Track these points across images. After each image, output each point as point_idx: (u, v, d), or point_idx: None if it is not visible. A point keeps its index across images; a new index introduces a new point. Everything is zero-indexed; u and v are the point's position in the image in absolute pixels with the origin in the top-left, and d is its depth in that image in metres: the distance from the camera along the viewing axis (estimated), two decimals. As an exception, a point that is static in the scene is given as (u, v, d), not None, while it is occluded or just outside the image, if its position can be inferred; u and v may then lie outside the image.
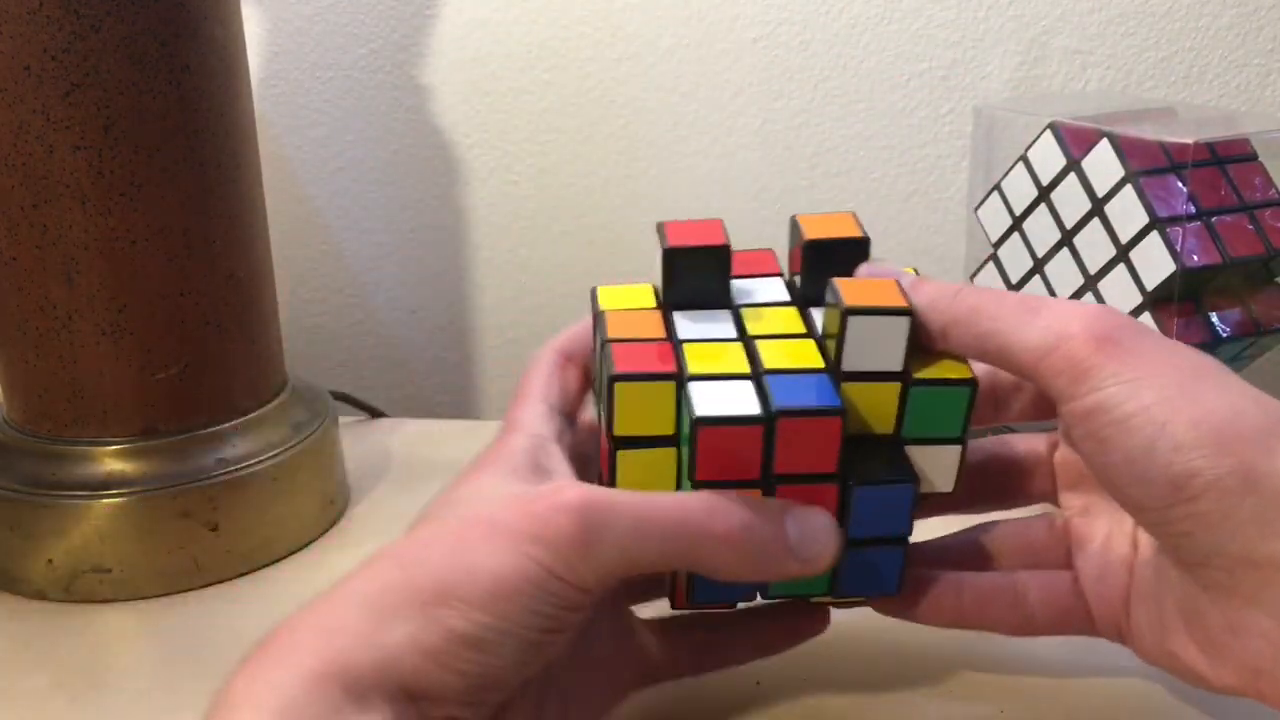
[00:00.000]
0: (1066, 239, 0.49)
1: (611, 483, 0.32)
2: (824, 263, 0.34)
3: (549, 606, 0.28)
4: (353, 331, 0.73)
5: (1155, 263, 0.45)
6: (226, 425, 0.46)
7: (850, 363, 0.31)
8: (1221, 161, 0.47)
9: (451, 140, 0.68)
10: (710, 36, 0.65)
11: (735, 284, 0.35)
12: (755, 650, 0.37)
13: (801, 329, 0.33)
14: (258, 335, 0.48)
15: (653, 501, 0.29)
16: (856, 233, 0.35)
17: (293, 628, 0.27)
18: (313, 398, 0.52)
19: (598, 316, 0.34)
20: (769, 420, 0.30)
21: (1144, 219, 0.45)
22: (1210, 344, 0.46)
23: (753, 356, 0.32)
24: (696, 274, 0.34)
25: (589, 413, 0.36)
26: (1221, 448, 0.27)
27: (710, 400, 0.30)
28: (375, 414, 0.63)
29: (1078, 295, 0.49)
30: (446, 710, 0.27)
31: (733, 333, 0.33)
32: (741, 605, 0.36)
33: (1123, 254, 0.46)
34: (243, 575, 0.46)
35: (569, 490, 0.29)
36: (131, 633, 0.43)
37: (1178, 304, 0.45)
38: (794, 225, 0.36)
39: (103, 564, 0.44)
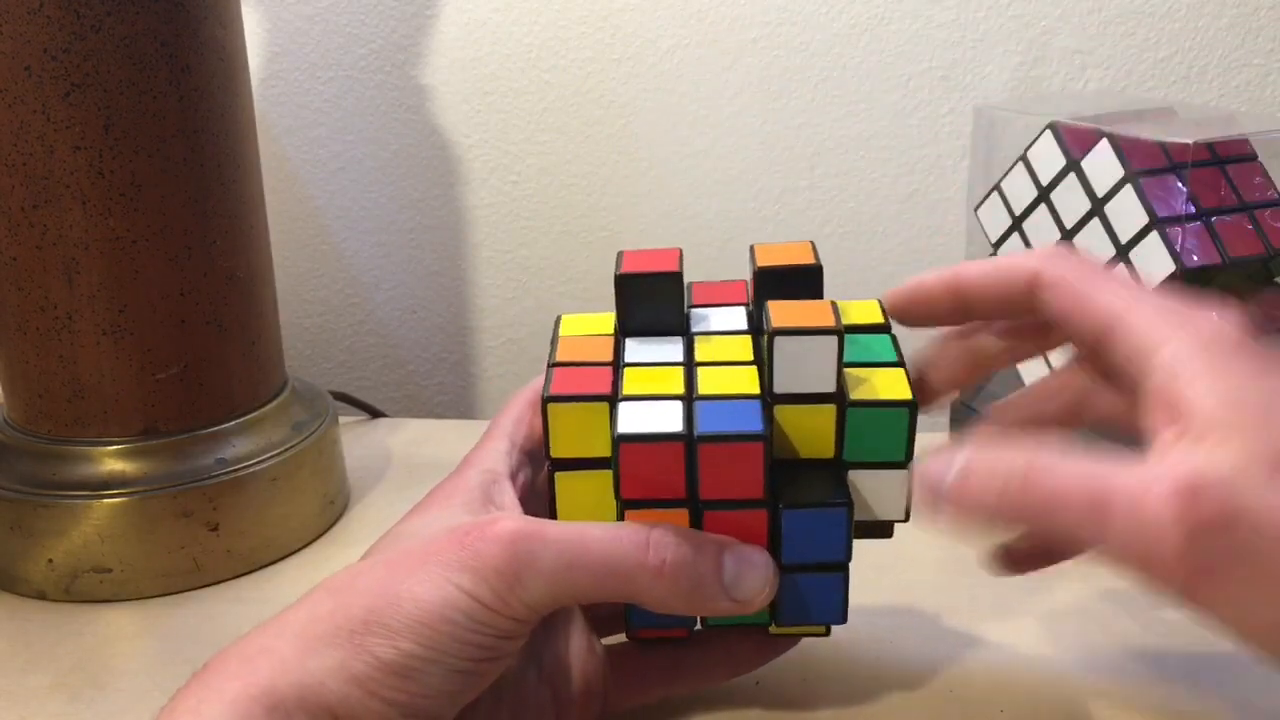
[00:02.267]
0: (1066, 239, 0.49)
1: (552, 506, 0.32)
2: (776, 291, 0.34)
3: (479, 636, 0.28)
4: (353, 331, 0.73)
5: (1155, 263, 0.45)
6: (226, 425, 0.46)
7: (782, 385, 0.31)
8: (1221, 161, 0.47)
9: (451, 140, 0.68)
10: (710, 36, 0.65)
11: (697, 312, 0.35)
12: (727, 670, 0.37)
13: (749, 356, 0.33)
14: (258, 335, 0.48)
15: (586, 533, 0.29)
16: (809, 260, 0.34)
17: (225, 656, 0.28)
18: (313, 398, 0.52)
19: (553, 342, 0.34)
20: (689, 440, 0.30)
21: (1144, 219, 0.45)
22: (1210, 344, 0.46)
23: (690, 381, 0.32)
24: (648, 300, 0.34)
25: None
26: None
27: (634, 419, 0.30)
28: (375, 414, 0.63)
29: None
30: None
31: (679, 358, 0.33)
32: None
33: (1123, 254, 0.46)
34: (243, 575, 0.46)
35: (502, 522, 0.29)
36: (131, 633, 0.43)
37: (1178, 304, 0.45)
38: (751, 254, 0.36)
39: (103, 564, 0.44)
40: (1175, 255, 0.44)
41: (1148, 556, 0.25)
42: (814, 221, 0.67)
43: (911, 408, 0.31)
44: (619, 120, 0.67)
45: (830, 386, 0.31)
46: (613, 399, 0.31)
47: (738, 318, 0.35)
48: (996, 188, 0.53)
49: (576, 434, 0.31)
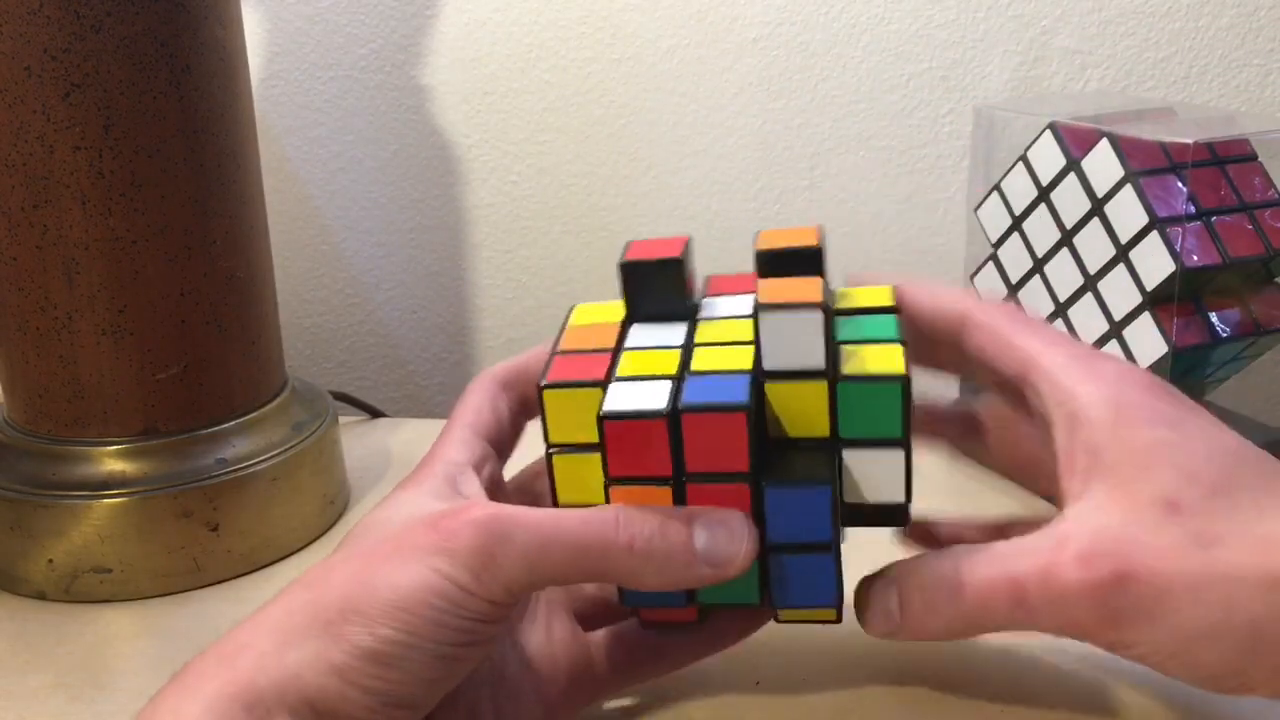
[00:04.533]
0: (1066, 239, 0.49)
1: (553, 490, 0.32)
2: (777, 274, 0.34)
3: (457, 620, 0.28)
4: (353, 331, 0.73)
5: (1155, 263, 0.45)
6: (226, 425, 0.46)
7: (770, 361, 0.31)
8: (1221, 161, 0.47)
9: (451, 140, 0.68)
10: (710, 36, 0.65)
11: (707, 301, 0.35)
12: (709, 644, 0.36)
13: (749, 338, 0.33)
14: (258, 335, 0.48)
15: (558, 515, 0.29)
16: (810, 242, 0.34)
17: (203, 656, 0.28)
18: (313, 398, 0.52)
19: (561, 329, 0.35)
20: (672, 416, 0.30)
21: (1144, 219, 0.45)
22: (1210, 344, 0.46)
23: (685, 362, 0.32)
24: (651, 287, 0.34)
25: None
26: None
27: (621, 398, 0.30)
28: (375, 414, 0.63)
29: (1077, 295, 0.49)
30: None
31: (680, 341, 0.33)
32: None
33: (1122, 254, 0.46)
34: (243, 575, 0.46)
35: (475, 507, 0.29)
36: (131, 633, 0.43)
37: (1177, 304, 0.45)
38: (756, 239, 0.36)
39: (103, 564, 0.44)
40: (1175, 255, 0.44)
41: (1066, 623, 0.29)
42: (814, 221, 0.67)
43: (904, 382, 0.31)
44: (619, 120, 0.67)
45: (818, 362, 0.31)
46: (605, 383, 0.31)
47: (744, 304, 0.35)
48: (996, 188, 0.53)
49: (572, 419, 0.31)
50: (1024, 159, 0.51)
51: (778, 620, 0.35)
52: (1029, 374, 0.32)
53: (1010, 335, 0.33)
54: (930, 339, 0.35)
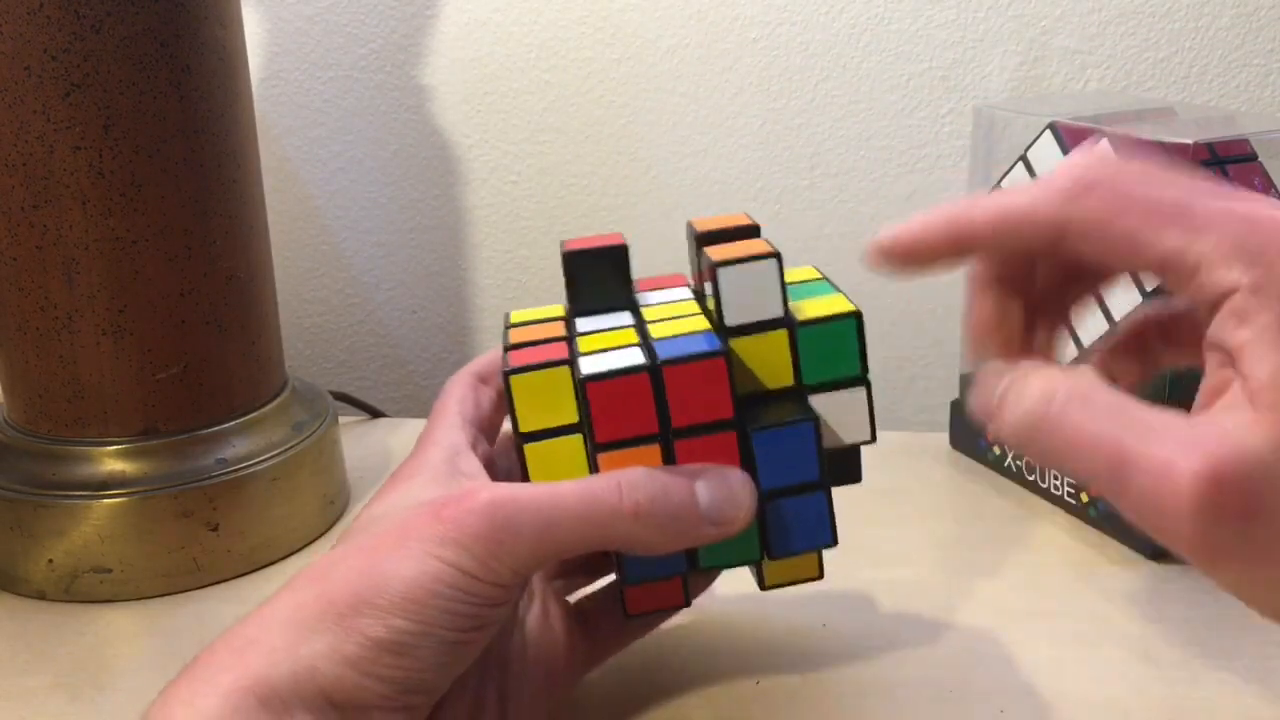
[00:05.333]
0: (1066, 239, 0.49)
1: (525, 478, 0.32)
2: None
3: (467, 606, 0.28)
4: (353, 331, 0.73)
5: (1155, 263, 0.45)
6: (226, 425, 0.46)
7: (732, 316, 0.32)
8: (1221, 161, 0.47)
9: (451, 140, 0.68)
10: (710, 36, 0.65)
11: (643, 295, 0.36)
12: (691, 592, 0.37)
13: (696, 311, 0.34)
14: (258, 335, 0.48)
15: (559, 489, 0.29)
16: (746, 222, 0.36)
17: (213, 649, 0.28)
18: (313, 398, 0.52)
19: (505, 331, 0.35)
20: (654, 368, 0.30)
21: (1144, 219, 0.45)
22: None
23: (643, 334, 0.33)
24: (596, 274, 0.35)
25: (507, 428, 0.37)
26: None
27: (597, 364, 0.31)
28: (375, 414, 0.63)
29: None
30: (373, 717, 0.27)
31: (630, 323, 0.34)
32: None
33: (1122, 254, 0.46)
34: (243, 575, 0.46)
35: (477, 492, 0.29)
36: (131, 633, 0.43)
37: (1178, 304, 0.45)
38: (689, 228, 0.36)
39: (103, 564, 0.44)
40: (1175, 255, 0.44)
41: (1160, 529, 0.24)
42: (814, 221, 0.67)
43: (856, 317, 0.32)
44: (619, 120, 0.67)
45: (779, 311, 0.32)
46: (571, 361, 0.32)
47: (681, 293, 0.37)
48: (996, 188, 0.53)
49: (541, 404, 0.32)
50: (1024, 159, 0.51)
51: (763, 587, 0.35)
52: (1174, 276, 0.25)
53: (1137, 234, 0.25)
54: (1018, 264, 0.29)
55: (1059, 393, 0.26)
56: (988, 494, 0.52)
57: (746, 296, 0.32)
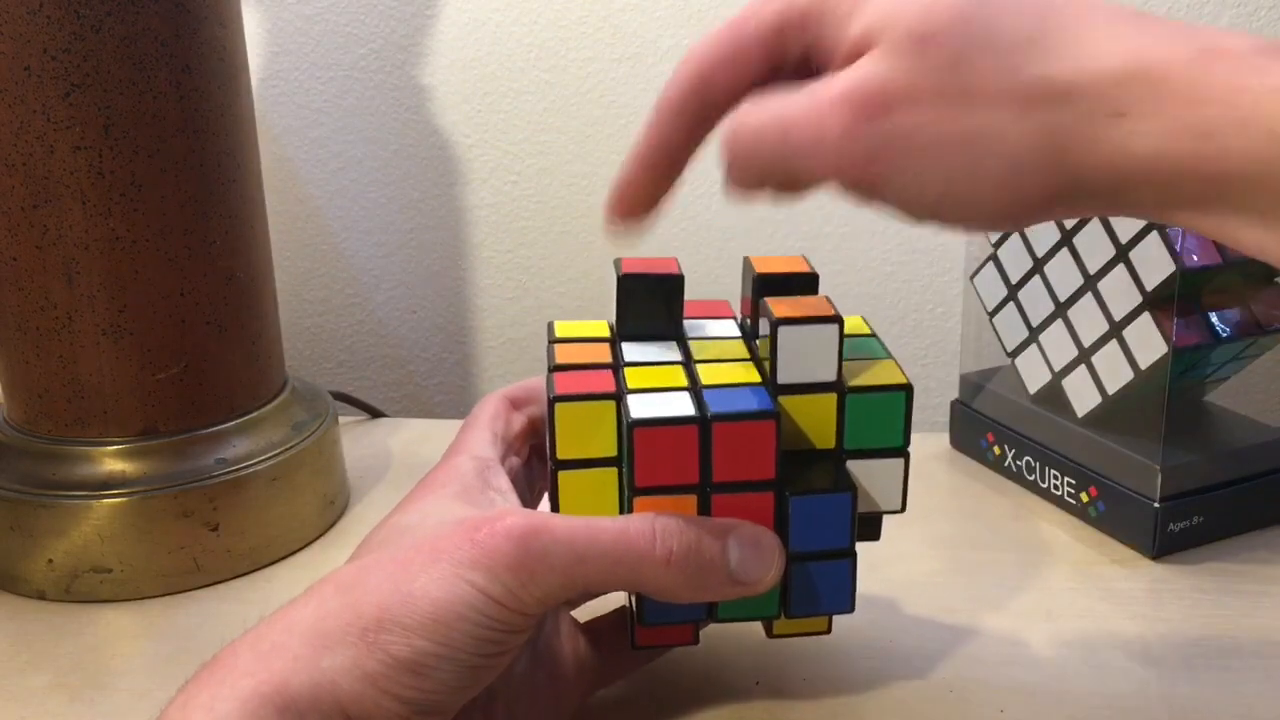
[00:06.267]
0: (1066, 239, 0.49)
1: (555, 508, 0.32)
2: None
3: (491, 631, 0.28)
4: (353, 331, 0.73)
5: (1155, 263, 0.45)
6: (226, 425, 0.46)
7: (785, 375, 0.32)
8: (1221, 161, 0.47)
9: (451, 140, 0.68)
10: (710, 36, 0.65)
11: (689, 323, 0.36)
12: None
13: (745, 355, 0.34)
14: (258, 335, 0.48)
15: (593, 526, 0.29)
16: (805, 269, 0.36)
17: (235, 651, 0.28)
18: (313, 398, 0.52)
19: (550, 347, 0.35)
20: (704, 421, 0.30)
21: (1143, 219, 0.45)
22: (1210, 344, 0.46)
23: (692, 375, 0.33)
24: (648, 303, 0.35)
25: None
26: None
27: (647, 406, 0.31)
28: (375, 414, 0.63)
29: (1077, 295, 0.49)
30: None
31: (678, 357, 0.34)
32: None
33: (1122, 254, 0.46)
34: (243, 575, 0.46)
35: (511, 517, 0.29)
36: (131, 633, 0.43)
37: (1177, 304, 0.45)
38: (746, 265, 0.36)
39: (103, 564, 0.44)
40: (1175, 255, 0.44)
41: (826, 165, 0.27)
42: (814, 221, 0.67)
43: (907, 391, 0.32)
44: (619, 120, 0.67)
45: (832, 375, 0.32)
46: (619, 396, 0.31)
47: (729, 327, 0.36)
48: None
49: (582, 433, 0.32)
50: (1024, 159, 0.51)
51: (770, 635, 0.36)
52: None
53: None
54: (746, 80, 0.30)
55: (743, 111, 0.29)
56: (988, 494, 0.52)
57: (803, 357, 0.32)
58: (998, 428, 0.53)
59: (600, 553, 0.29)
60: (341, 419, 0.54)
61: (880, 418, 0.32)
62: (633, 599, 0.33)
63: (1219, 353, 0.47)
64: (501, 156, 0.68)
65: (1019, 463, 0.52)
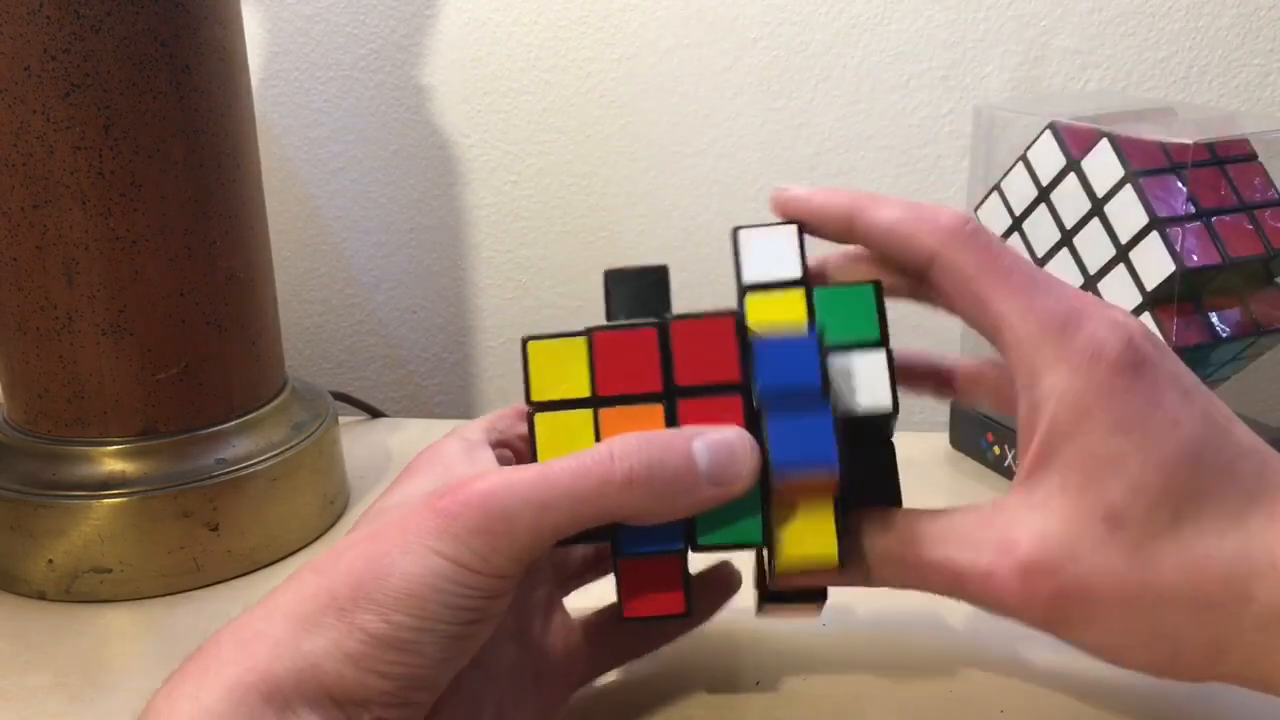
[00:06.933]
0: (1066, 239, 0.49)
1: (533, 450, 0.32)
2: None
3: (468, 599, 0.28)
4: (353, 331, 0.73)
5: (1155, 263, 0.45)
6: (226, 425, 0.46)
7: (750, 274, 0.32)
8: (1221, 161, 0.47)
9: (451, 140, 0.68)
10: (710, 36, 0.65)
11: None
12: (691, 619, 0.36)
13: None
14: (258, 335, 0.48)
15: (550, 469, 0.29)
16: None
17: (218, 641, 0.28)
18: (313, 398, 0.52)
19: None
20: (662, 325, 0.31)
21: (1144, 219, 0.45)
22: (1210, 344, 0.46)
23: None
24: (635, 299, 0.35)
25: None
26: None
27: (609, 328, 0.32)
28: (375, 414, 0.63)
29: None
30: (375, 713, 0.27)
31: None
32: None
33: (1122, 254, 0.46)
34: (243, 575, 0.46)
35: (472, 483, 0.29)
36: (131, 633, 0.43)
37: (1177, 304, 0.45)
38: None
39: (103, 564, 0.44)
40: (1175, 255, 0.44)
41: (1003, 614, 0.30)
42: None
43: (876, 285, 0.32)
44: (619, 120, 0.67)
45: (796, 272, 0.32)
46: (588, 334, 0.32)
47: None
48: (996, 188, 0.53)
49: (554, 374, 0.32)
50: (1024, 159, 0.51)
51: (759, 611, 0.34)
52: (998, 338, 0.31)
53: (982, 289, 0.31)
54: (892, 269, 0.34)
55: (908, 529, 0.32)
56: (988, 494, 0.52)
57: (765, 257, 0.32)
58: (998, 427, 0.53)
59: (562, 493, 0.29)
60: (341, 419, 0.54)
61: (853, 311, 0.32)
62: (612, 539, 0.32)
63: (1219, 353, 0.47)
64: (501, 156, 0.68)
65: (1019, 463, 0.52)
